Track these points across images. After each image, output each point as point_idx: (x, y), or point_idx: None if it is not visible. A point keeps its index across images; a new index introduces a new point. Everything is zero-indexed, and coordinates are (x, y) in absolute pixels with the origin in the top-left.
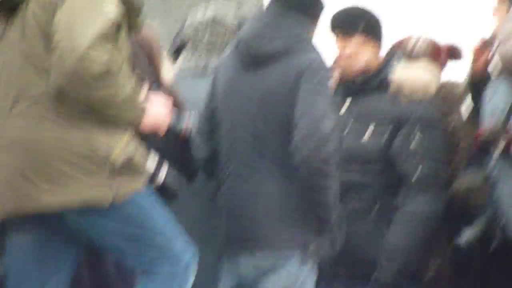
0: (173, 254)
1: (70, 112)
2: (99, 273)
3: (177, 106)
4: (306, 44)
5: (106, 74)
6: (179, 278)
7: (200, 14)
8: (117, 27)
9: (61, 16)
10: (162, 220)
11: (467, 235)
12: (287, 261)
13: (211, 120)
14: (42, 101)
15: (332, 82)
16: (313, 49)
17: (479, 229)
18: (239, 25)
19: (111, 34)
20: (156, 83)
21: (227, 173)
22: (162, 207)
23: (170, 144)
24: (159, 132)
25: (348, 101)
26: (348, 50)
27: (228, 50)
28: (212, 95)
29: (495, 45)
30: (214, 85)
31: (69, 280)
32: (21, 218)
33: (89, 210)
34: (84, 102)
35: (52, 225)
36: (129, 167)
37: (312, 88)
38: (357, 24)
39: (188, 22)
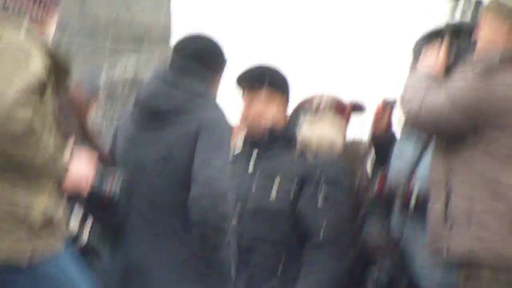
0: None
1: None
2: None
3: (105, 162)
4: (206, 101)
5: (29, 134)
6: None
7: (119, 71)
8: (43, 85)
9: None
10: (82, 283)
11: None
12: None
13: None
14: None
15: (234, 139)
16: (213, 106)
17: (384, 273)
18: None
19: (36, 93)
20: (83, 142)
21: (124, 236)
22: (82, 269)
23: (94, 203)
24: (82, 192)
25: (255, 158)
26: (254, 106)
27: (129, 107)
28: (111, 153)
29: (398, 101)
30: (113, 143)
31: None
32: None
33: (5, 270)
34: (5, 160)
35: None
36: (48, 227)
37: (210, 146)
38: (263, 78)
39: (105, 76)
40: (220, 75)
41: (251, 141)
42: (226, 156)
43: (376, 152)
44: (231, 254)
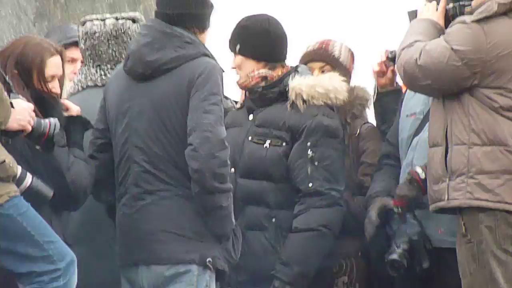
0: (53, 253)
1: None
2: None
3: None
4: (195, 48)
5: None
6: (59, 280)
7: (98, 27)
8: None
9: None
10: (40, 223)
11: (396, 253)
12: (185, 273)
13: (103, 135)
14: None
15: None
16: (203, 53)
17: (405, 249)
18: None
19: None
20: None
21: (122, 195)
22: (36, 211)
23: (33, 145)
24: (26, 128)
25: (253, 108)
26: (237, 65)
27: (120, 65)
28: (103, 111)
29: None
30: (104, 101)
31: None
32: None
33: None
34: None
35: None
36: (2, 172)
37: (203, 97)
38: (233, 45)
39: (81, 31)
40: (207, 22)
41: (248, 94)
42: (220, 103)
43: (383, 110)
44: (231, 200)
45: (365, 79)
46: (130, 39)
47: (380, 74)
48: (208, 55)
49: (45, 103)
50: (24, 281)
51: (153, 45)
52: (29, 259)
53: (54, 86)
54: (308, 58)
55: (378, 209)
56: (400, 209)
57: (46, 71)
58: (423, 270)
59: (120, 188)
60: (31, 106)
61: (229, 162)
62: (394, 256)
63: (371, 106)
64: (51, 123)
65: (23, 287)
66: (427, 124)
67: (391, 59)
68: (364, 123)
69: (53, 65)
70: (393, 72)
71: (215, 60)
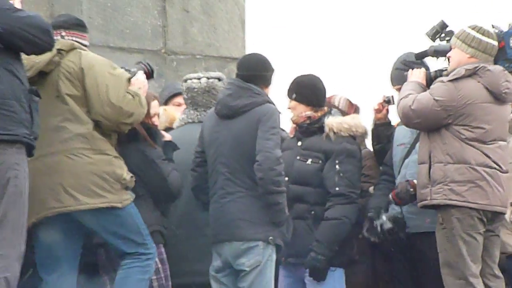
0: (148, 242)
1: (98, 146)
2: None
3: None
4: (262, 97)
5: (136, 96)
6: (150, 260)
7: (196, 84)
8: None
9: (95, 82)
10: (142, 221)
11: (384, 218)
12: (255, 247)
13: (201, 155)
14: (78, 139)
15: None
16: (266, 101)
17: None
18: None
19: (128, 85)
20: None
21: (213, 195)
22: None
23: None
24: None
25: (301, 138)
26: (292, 107)
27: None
28: (201, 139)
29: (396, 99)
30: (202, 132)
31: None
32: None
33: (110, 209)
34: (124, 124)
35: (73, 225)
36: (130, 183)
37: (266, 130)
38: (291, 94)
39: (184, 87)
40: (270, 80)
41: (297, 127)
42: (278, 134)
43: (378, 135)
44: (285, 198)
45: (367, 115)
46: (217, 92)
47: (378, 111)
48: (270, 102)
49: (151, 131)
50: (128, 258)
51: (234, 95)
52: (135, 244)
53: (155, 120)
54: None
55: (368, 225)
56: (395, 203)
57: (150, 111)
58: (401, 238)
59: (211, 190)
60: (144, 77)
61: (283, 173)
62: (389, 225)
63: (369, 137)
64: (141, 67)
65: (125, 261)
66: (413, 150)
67: (386, 101)
68: (364, 148)
69: (154, 106)
70: (387, 110)
71: (275, 105)
